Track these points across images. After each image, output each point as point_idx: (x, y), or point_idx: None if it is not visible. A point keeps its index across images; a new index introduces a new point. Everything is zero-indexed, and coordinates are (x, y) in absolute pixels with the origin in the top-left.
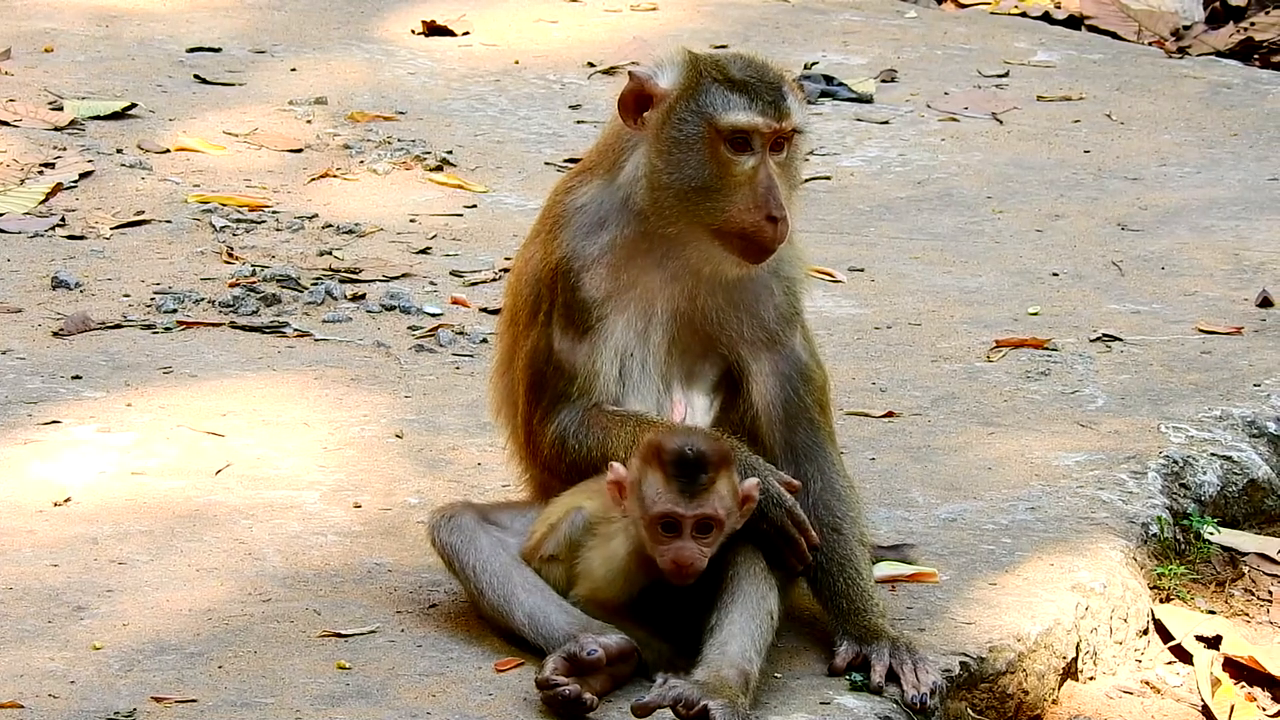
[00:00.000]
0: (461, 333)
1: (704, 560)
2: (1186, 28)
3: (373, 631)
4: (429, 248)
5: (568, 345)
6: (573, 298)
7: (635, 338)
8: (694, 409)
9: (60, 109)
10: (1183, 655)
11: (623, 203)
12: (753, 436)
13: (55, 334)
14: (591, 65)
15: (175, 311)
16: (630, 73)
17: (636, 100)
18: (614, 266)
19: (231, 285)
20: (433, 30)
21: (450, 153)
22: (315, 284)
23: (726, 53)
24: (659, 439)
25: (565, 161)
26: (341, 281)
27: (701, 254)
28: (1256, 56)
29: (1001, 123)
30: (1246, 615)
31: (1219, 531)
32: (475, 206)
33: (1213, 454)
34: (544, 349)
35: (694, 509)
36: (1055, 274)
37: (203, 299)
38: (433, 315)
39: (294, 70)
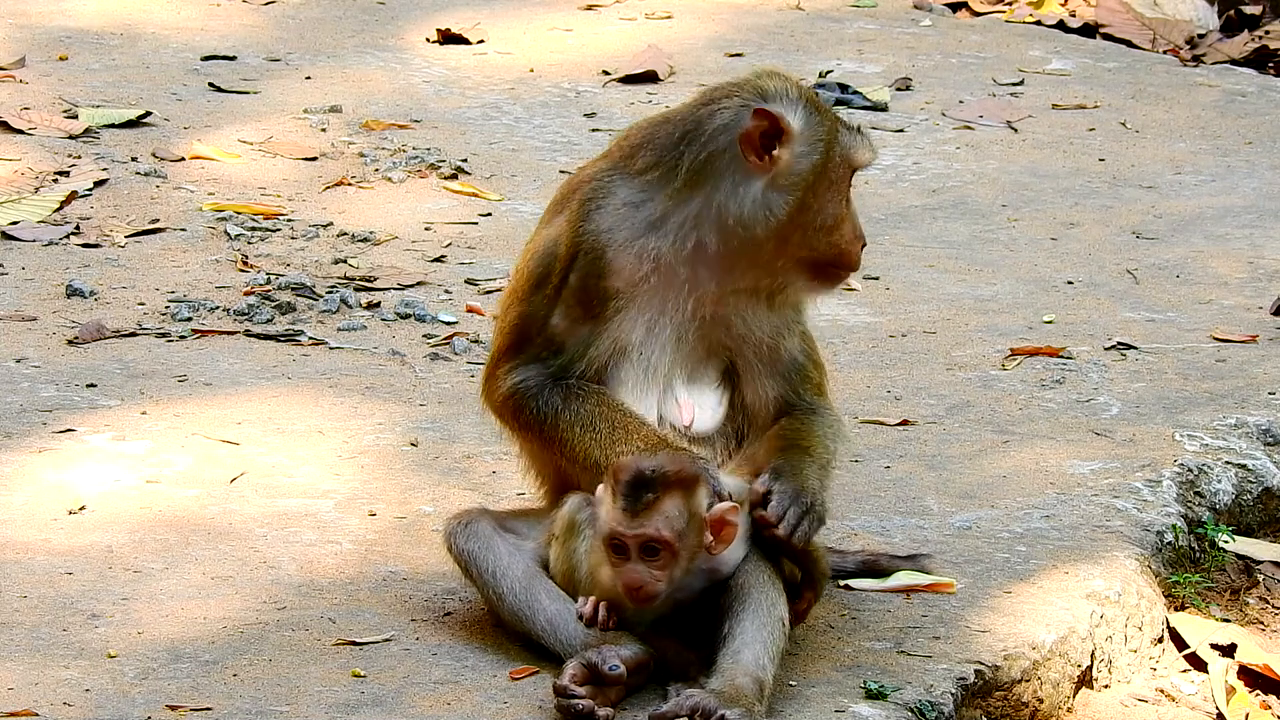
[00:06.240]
0: (476, 341)
1: (657, 584)
2: (1201, 36)
3: (388, 639)
4: (444, 256)
5: (567, 324)
6: (594, 283)
7: (646, 335)
8: (702, 408)
9: (75, 117)
10: (1198, 663)
11: (697, 218)
12: (750, 431)
13: (70, 342)
14: (607, 73)
15: (190, 320)
16: (761, 110)
17: (764, 137)
18: (655, 269)
19: (246, 293)
20: (447, 39)
21: (465, 161)
22: (330, 292)
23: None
24: (618, 463)
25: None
26: (356, 290)
27: (781, 280)
28: (1271, 65)
29: (1016, 131)
30: (1261, 623)
31: (1234, 540)
32: (490, 215)
33: (1227, 462)
34: (540, 317)
35: (635, 528)
36: (1070, 282)
37: (217, 307)
38: (447, 323)
39: (309, 79)
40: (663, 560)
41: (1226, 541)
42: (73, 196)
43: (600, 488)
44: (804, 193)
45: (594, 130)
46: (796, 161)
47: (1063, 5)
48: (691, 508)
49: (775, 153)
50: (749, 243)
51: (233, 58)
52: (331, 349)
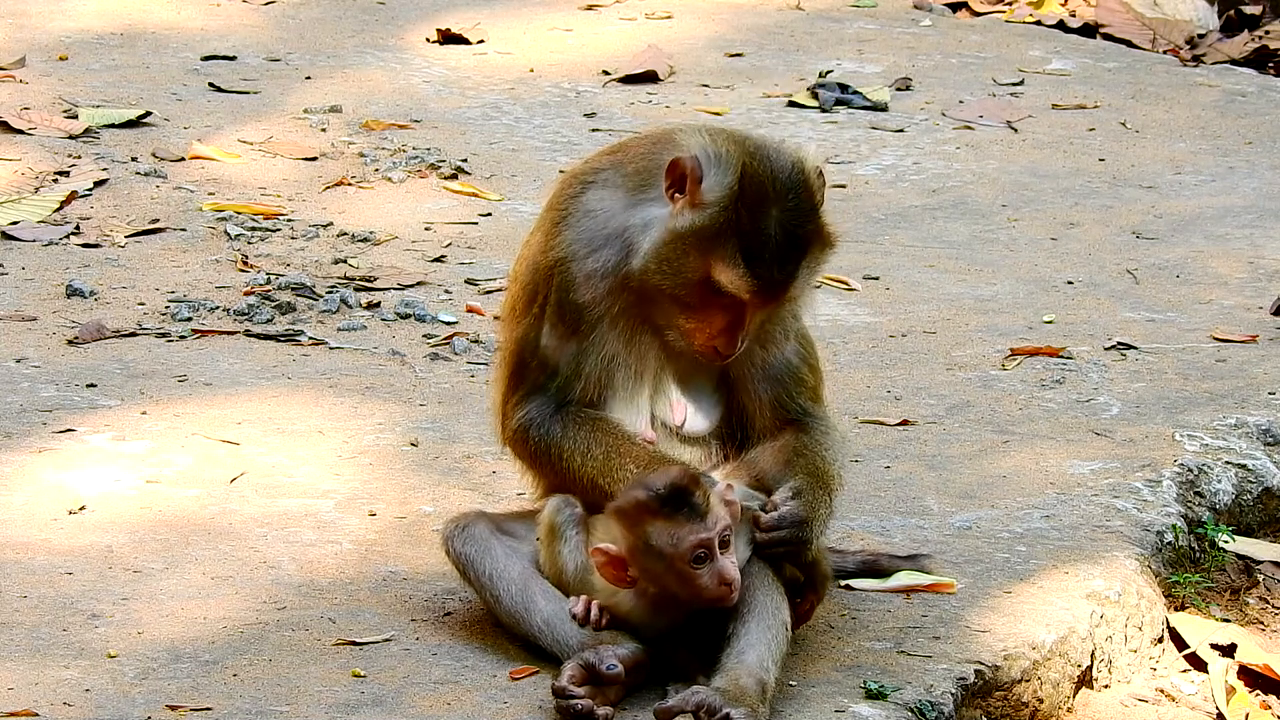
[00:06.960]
0: (476, 341)
1: (737, 570)
2: (1201, 36)
3: (387, 639)
4: (444, 256)
5: (555, 342)
6: (566, 298)
7: (624, 346)
8: (694, 408)
9: (75, 117)
10: (1198, 663)
11: (632, 229)
12: (747, 434)
13: (70, 342)
14: (606, 73)
15: (190, 320)
16: (691, 160)
17: (676, 179)
18: (614, 282)
19: (246, 293)
20: (448, 39)
21: (465, 161)
22: (330, 292)
23: (780, 169)
24: (630, 498)
25: None
26: (356, 289)
27: (672, 326)
28: (1271, 65)
29: (1016, 131)
30: (1261, 623)
31: (1234, 540)
32: (490, 215)
33: (1227, 462)
34: (533, 339)
35: (715, 525)
36: (1070, 282)
37: (217, 307)
38: (447, 323)
39: (309, 79)
40: (731, 547)
41: (1226, 541)
42: (73, 196)
43: (608, 528)
44: (661, 255)
45: (594, 130)
46: (681, 229)
47: (1063, 5)
48: (715, 493)
49: (677, 195)
50: (641, 280)
51: (233, 58)
52: (331, 349)
